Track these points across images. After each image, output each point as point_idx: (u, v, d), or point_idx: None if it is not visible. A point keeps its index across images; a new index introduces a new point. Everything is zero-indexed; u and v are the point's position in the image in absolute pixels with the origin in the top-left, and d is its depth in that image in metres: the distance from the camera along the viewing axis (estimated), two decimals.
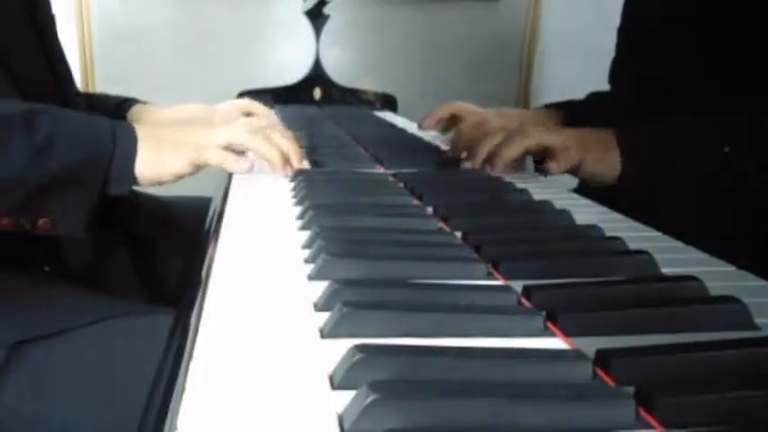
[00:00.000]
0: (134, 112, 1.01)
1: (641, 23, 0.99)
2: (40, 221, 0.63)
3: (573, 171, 0.80)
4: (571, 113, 1.07)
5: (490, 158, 0.81)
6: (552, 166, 0.79)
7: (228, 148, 0.73)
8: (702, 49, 0.85)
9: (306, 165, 0.78)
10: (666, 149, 0.80)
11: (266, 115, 1.13)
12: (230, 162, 0.73)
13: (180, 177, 0.71)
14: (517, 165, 0.83)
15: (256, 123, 0.81)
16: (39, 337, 0.62)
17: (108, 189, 0.66)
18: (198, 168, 0.72)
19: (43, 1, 0.83)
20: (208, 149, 0.71)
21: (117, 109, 1.00)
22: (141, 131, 0.69)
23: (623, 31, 1.04)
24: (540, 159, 0.82)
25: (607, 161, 0.79)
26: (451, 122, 1.14)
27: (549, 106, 1.13)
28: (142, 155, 0.67)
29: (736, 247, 0.51)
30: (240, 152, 0.75)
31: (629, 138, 0.80)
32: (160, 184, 0.71)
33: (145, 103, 1.03)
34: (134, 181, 0.68)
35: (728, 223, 0.79)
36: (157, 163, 0.69)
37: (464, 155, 0.87)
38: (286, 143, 0.77)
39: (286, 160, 0.76)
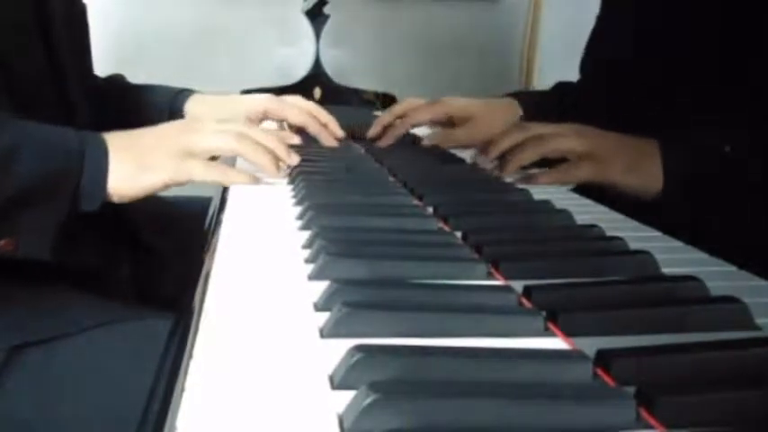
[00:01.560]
0: (192, 104, 0.95)
1: (615, 15, 0.99)
2: (2, 242, 0.58)
3: (595, 185, 0.72)
4: (530, 103, 1.00)
5: (503, 160, 0.77)
6: (548, 176, 0.72)
7: (215, 158, 0.69)
8: (677, 43, 0.84)
9: (295, 160, 0.75)
10: (720, 160, 0.70)
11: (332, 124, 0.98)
12: (217, 175, 0.67)
13: (160, 190, 0.67)
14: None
15: (245, 128, 0.75)
16: (38, 340, 0.62)
17: (78, 206, 0.62)
18: (181, 182, 0.67)
19: (60, 5, 0.82)
20: (190, 161, 0.66)
21: (174, 99, 0.95)
22: (114, 142, 0.64)
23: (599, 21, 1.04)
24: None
25: (644, 172, 0.70)
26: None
27: (509, 95, 1.07)
28: (115, 168, 0.62)
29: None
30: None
31: (674, 145, 0.70)
32: (137, 199, 0.66)
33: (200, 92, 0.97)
34: (105, 196, 0.63)
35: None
36: (132, 177, 0.64)
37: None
38: (272, 142, 0.74)
39: (276, 160, 0.73)
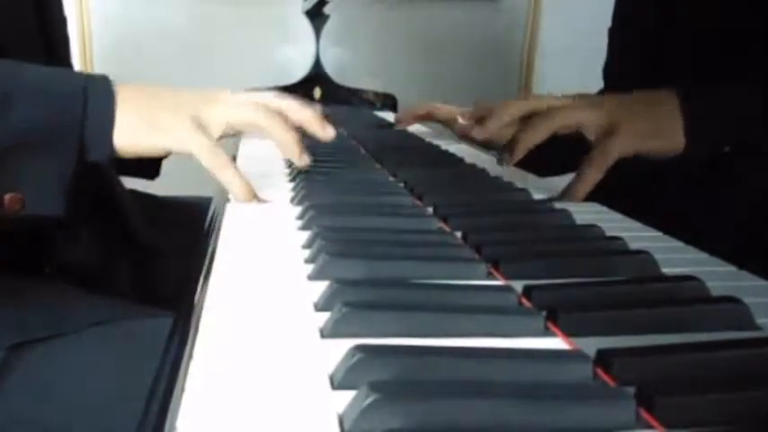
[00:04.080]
0: None
1: (635, 22, 0.98)
2: (7, 197, 0.54)
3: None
4: None
5: (510, 144, 0.71)
6: (585, 180, 0.65)
7: (229, 133, 0.64)
8: (698, 46, 0.84)
9: (332, 134, 0.69)
10: (750, 117, 0.66)
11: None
12: (214, 163, 0.61)
13: (159, 154, 0.62)
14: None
15: (274, 101, 0.69)
16: (38, 339, 0.62)
17: (85, 155, 0.57)
18: (181, 152, 0.61)
19: (53, 2, 0.83)
20: (198, 135, 0.60)
21: None
22: (124, 93, 0.59)
23: (615, 31, 1.04)
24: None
25: (667, 132, 0.65)
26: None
27: None
28: (121, 118, 0.58)
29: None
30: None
31: (697, 101, 0.65)
32: (136, 157, 0.62)
33: None
34: (113, 146, 0.58)
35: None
36: (137, 132, 0.59)
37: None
38: (306, 113, 0.68)
39: (300, 146, 0.67)
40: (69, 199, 0.58)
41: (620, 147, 0.66)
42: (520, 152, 0.70)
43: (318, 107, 1.09)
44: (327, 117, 0.73)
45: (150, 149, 0.61)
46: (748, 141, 0.67)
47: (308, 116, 0.69)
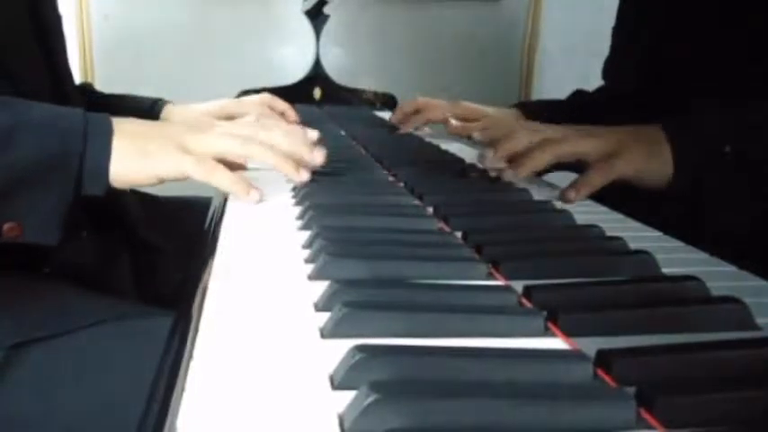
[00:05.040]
0: (166, 112, 0.99)
1: (641, 20, 0.99)
2: (6, 226, 0.57)
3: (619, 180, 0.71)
4: (535, 112, 1.01)
5: (516, 160, 0.73)
6: (585, 185, 0.69)
7: (222, 160, 0.65)
8: (703, 44, 0.85)
9: (320, 158, 0.70)
10: (732, 139, 0.70)
11: (289, 112, 1.10)
12: (204, 173, 0.62)
13: (158, 183, 0.63)
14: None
15: (252, 127, 0.70)
16: (38, 338, 0.62)
17: (81, 188, 0.59)
18: (175, 178, 0.63)
19: (47, 1, 0.83)
20: (192, 158, 0.62)
21: (150, 110, 0.98)
22: (119, 126, 0.61)
23: (619, 29, 1.04)
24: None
25: (660, 158, 0.70)
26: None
27: (519, 105, 1.10)
28: (118, 152, 0.60)
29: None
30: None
31: (682, 128, 0.71)
32: (133, 186, 0.64)
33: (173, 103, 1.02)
34: (109, 180, 0.60)
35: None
36: (133, 162, 0.61)
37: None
38: (289, 140, 0.69)
39: (298, 164, 0.68)
40: (65, 229, 0.59)
41: (624, 165, 0.70)
42: (525, 173, 0.73)
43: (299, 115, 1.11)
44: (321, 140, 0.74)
45: (143, 178, 0.62)
46: (741, 159, 0.70)
47: (282, 163, 0.68)
